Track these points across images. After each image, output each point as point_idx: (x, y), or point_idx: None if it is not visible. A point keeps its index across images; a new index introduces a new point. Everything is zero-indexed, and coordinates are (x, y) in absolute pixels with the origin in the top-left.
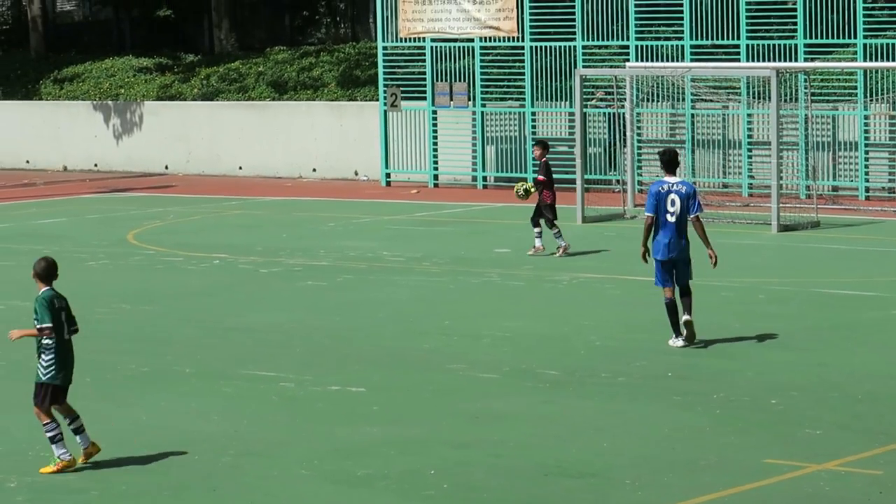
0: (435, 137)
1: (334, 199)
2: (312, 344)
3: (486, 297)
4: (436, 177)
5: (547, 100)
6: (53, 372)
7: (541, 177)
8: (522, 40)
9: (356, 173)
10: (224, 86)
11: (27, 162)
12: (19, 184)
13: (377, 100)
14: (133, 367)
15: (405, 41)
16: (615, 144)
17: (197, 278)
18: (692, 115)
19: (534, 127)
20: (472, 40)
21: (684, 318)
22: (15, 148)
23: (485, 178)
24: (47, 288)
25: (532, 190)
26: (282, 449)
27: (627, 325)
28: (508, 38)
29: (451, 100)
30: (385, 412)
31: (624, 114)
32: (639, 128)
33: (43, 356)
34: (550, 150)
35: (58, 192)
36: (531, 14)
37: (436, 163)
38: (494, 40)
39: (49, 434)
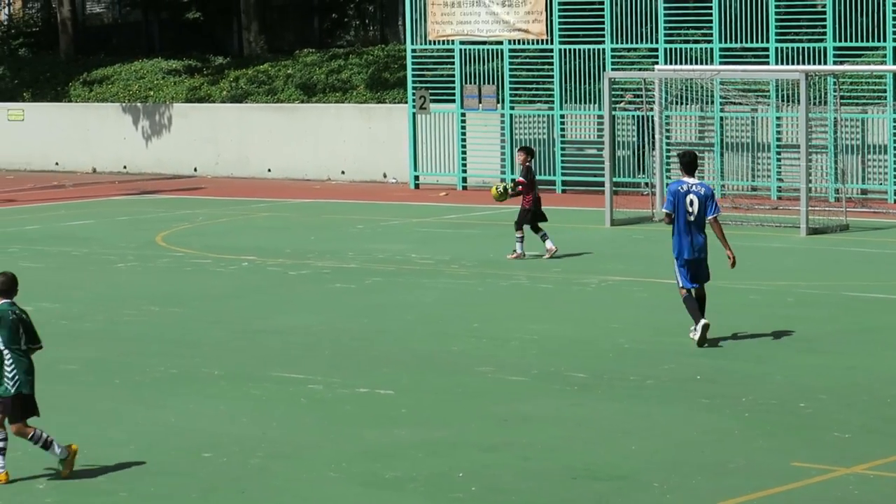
0: (463, 140)
1: (363, 202)
2: (341, 346)
3: (514, 299)
4: (464, 179)
5: (575, 102)
6: (20, 380)
7: (520, 178)
8: (551, 43)
9: (385, 176)
10: (253, 88)
11: (56, 164)
12: (49, 185)
13: (406, 102)
14: (161, 369)
15: (434, 44)
16: (644, 147)
17: (225, 280)
18: (721, 118)
19: (562, 129)
20: (500, 43)
21: (702, 321)
22: (44, 150)
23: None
24: (4, 301)
25: (510, 191)
26: (310, 451)
27: (656, 327)
28: (537, 41)
29: (480, 102)
30: (413, 415)
31: (653, 116)
32: (667, 131)
33: (5, 370)
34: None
35: (87, 194)
36: (560, 17)
37: (464, 165)
38: (523, 43)
39: (39, 444)
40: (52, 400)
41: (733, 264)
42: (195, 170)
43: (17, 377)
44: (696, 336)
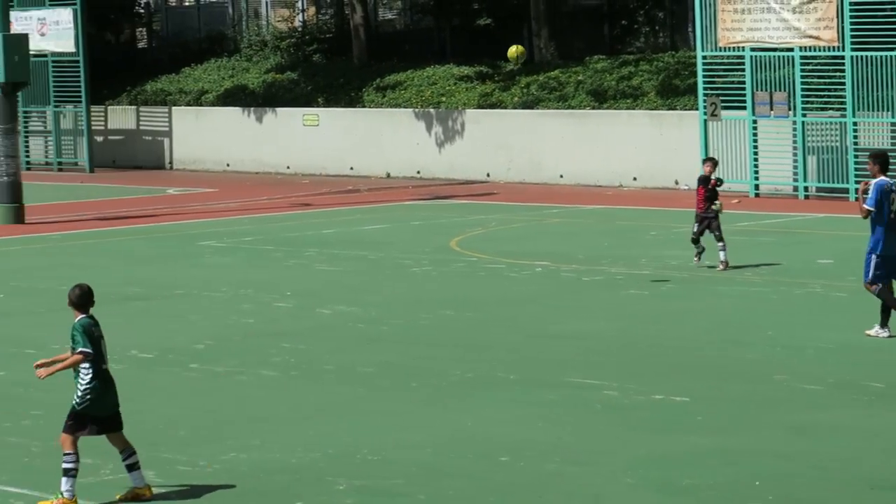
0: (755, 147)
1: (655, 208)
2: (635, 352)
3: (809, 307)
4: (756, 186)
5: (869, 110)
6: (89, 400)
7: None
8: (843, 50)
9: (676, 182)
10: (544, 94)
11: (351, 169)
12: (343, 190)
13: (697, 109)
14: (458, 374)
15: (724, 50)
16: None
17: (519, 285)
18: None
19: (856, 137)
20: (791, 50)
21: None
22: (339, 155)
23: (806, 189)
24: (83, 315)
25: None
26: (606, 457)
27: None
28: (829, 48)
29: (772, 109)
30: (709, 422)
31: None
32: None
33: (80, 383)
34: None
35: (381, 199)
36: (852, 23)
37: (756, 172)
38: (814, 50)
39: (64, 466)
40: (351, 404)
41: None
42: (487, 175)
43: (87, 395)
44: (881, 335)
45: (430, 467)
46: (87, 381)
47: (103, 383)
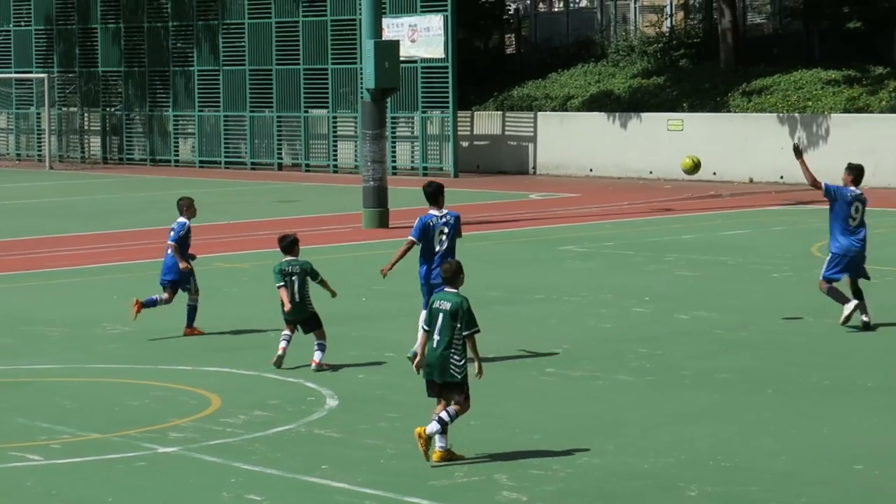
0: None
1: None
2: None
3: None
4: None
5: None
6: None
7: None
8: None
9: None
10: None
11: (714, 174)
12: (705, 195)
13: None
14: (814, 381)
15: None
16: None
17: (882, 292)
18: None
19: None
20: None
21: None
22: (702, 160)
23: None
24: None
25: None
26: None
27: None
28: None
29: None
30: None
31: None
32: None
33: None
34: None
35: (743, 204)
36: None
37: None
38: None
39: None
40: (706, 410)
41: None
42: None
43: None
44: None
45: (785, 474)
46: None
47: None
